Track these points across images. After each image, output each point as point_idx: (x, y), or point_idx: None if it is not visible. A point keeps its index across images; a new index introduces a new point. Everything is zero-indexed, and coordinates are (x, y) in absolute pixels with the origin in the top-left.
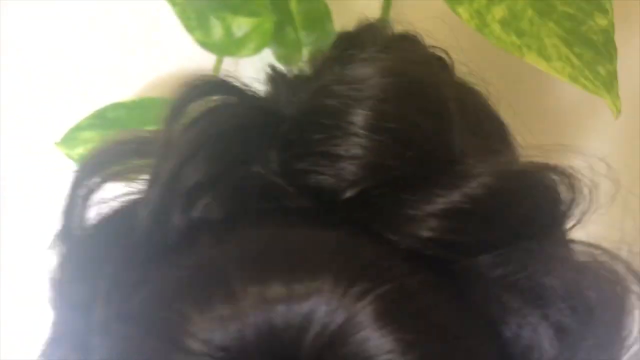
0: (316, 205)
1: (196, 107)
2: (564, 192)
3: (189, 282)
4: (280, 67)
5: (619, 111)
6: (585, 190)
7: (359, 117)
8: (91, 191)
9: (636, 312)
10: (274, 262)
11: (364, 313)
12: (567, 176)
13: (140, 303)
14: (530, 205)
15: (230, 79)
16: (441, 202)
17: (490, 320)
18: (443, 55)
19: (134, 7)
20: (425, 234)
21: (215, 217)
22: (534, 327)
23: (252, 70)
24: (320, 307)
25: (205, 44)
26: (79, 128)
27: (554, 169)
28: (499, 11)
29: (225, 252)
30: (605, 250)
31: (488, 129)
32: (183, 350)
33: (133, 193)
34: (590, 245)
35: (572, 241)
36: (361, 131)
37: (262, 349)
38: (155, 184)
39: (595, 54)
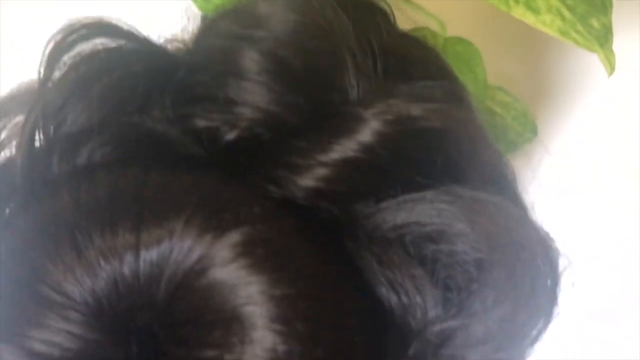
0: (202, 152)
1: (83, 51)
2: (464, 144)
3: (42, 232)
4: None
5: (613, 68)
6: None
7: (248, 59)
8: None
9: (552, 287)
10: (122, 208)
11: (221, 249)
12: (468, 128)
13: (5, 250)
14: (421, 152)
15: (122, 23)
16: (330, 150)
17: (365, 275)
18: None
19: (133, 7)
20: (307, 183)
21: (101, 164)
22: (415, 284)
23: None
24: (173, 250)
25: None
26: None
27: (457, 118)
28: None
29: (77, 200)
30: (515, 213)
31: (432, 81)
32: (46, 302)
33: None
34: (496, 203)
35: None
36: (251, 74)
37: (116, 302)
38: (29, 129)
39: (589, 6)
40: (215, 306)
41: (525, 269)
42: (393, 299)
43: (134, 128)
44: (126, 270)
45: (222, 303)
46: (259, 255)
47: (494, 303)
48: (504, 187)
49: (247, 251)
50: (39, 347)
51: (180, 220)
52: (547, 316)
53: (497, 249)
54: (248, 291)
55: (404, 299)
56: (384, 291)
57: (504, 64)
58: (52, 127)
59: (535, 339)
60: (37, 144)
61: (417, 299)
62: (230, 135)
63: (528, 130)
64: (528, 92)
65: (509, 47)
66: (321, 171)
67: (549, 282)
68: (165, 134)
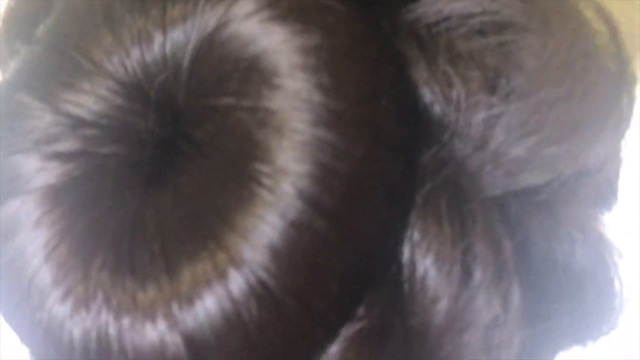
0: None
1: None
2: None
3: (78, 8)
4: None
5: None
6: None
7: None
8: None
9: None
10: None
11: (244, 4)
12: None
13: (49, 26)
14: None
15: None
16: None
17: (403, 64)
18: None
19: None
20: None
21: None
22: (458, 71)
23: None
24: (196, 13)
25: None
26: None
27: None
28: None
29: None
30: None
31: None
32: (78, 68)
33: None
34: None
35: None
36: None
37: (142, 72)
38: None
39: None
40: (234, 57)
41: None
42: (433, 89)
43: None
44: (155, 47)
45: (241, 53)
46: (284, 7)
47: (545, 92)
48: None
49: (271, 4)
50: (68, 107)
51: None
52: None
53: (557, 40)
54: (269, 41)
55: (445, 90)
56: (424, 80)
57: None
58: None
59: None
60: None
61: (459, 89)
62: None
63: None
64: None
65: None
66: None
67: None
68: None
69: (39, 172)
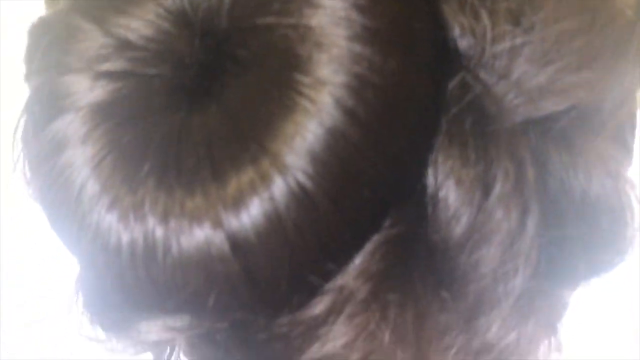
0: None
1: None
2: None
3: None
4: None
5: None
6: None
7: None
8: None
9: None
10: None
11: None
12: None
13: None
14: None
15: None
16: None
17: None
18: None
19: None
20: None
21: None
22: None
23: None
24: None
25: None
26: None
27: None
28: None
29: None
30: None
31: None
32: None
33: None
34: None
35: None
36: None
37: (194, 9)
38: None
39: None
40: None
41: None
42: (462, 22)
43: None
44: None
45: None
46: None
47: (566, 23)
48: None
49: None
50: (119, 30)
51: None
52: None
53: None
54: None
55: (472, 22)
56: (453, 13)
57: None
58: None
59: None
60: None
61: (485, 22)
62: None
63: None
64: None
65: None
66: None
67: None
68: None
69: (88, 90)
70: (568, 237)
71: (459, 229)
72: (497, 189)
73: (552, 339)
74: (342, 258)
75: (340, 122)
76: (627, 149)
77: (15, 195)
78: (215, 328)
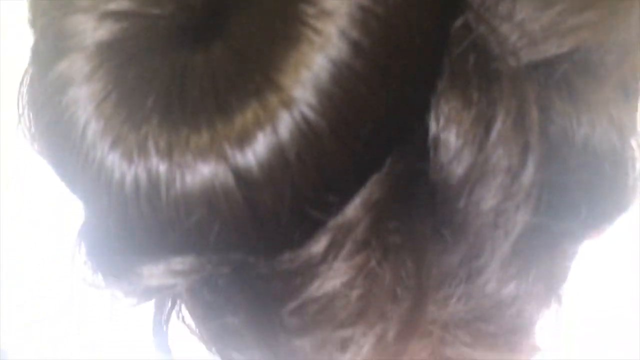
0: None
1: None
2: None
3: None
4: None
5: None
6: None
7: None
8: None
9: None
10: None
11: None
12: None
13: None
14: None
15: None
16: None
17: None
18: None
19: None
20: None
21: None
22: None
23: None
24: None
25: None
26: None
27: None
28: None
29: None
30: None
31: None
32: None
33: None
34: None
35: None
36: None
37: None
38: None
39: None
40: None
41: None
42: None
43: None
44: None
45: None
46: None
47: None
48: None
49: None
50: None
51: None
52: None
53: None
54: None
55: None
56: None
57: None
58: None
59: None
60: None
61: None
62: None
63: None
64: None
65: None
66: None
67: None
68: None
69: (93, 29)
70: (569, 182)
71: (460, 169)
72: (498, 125)
73: (554, 305)
74: (344, 193)
75: (345, 53)
76: (631, 102)
77: (15, 195)
78: (217, 272)
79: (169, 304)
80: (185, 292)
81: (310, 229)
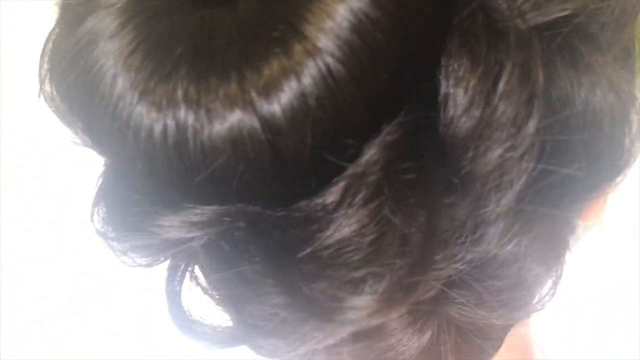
0: None
1: None
2: None
3: None
4: None
5: None
6: None
7: None
8: None
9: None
10: None
11: None
12: None
13: None
14: None
15: None
16: None
17: None
18: None
19: None
20: None
21: None
22: None
23: None
24: None
25: None
26: None
27: None
28: None
29: None
30: None
31: None
32: None
33: None
34: None
35: None
36: None
37: None
38: None
39: None
40: None
41: None
42: None
43: None
44: None
45: None
46: None
47: None
48: None
49: None
50: None
51: None
52: None
53: None
54: None
55: None
56: None
57: None
58: None
59: None
60: None
61: None
62: None
63: None
64: None
65: None
66: None
67: None
68: None
69: None
70: (569, 139)
71: (468, 123)
72: (505, 79)
73: (555, 275)
74: (361, 138)
75: (364, 3)
76: (629, 67)
77: (15, 195)
78: (235, 224)
79: (183, 265)
80: (201, 248)
81: (327, 175)
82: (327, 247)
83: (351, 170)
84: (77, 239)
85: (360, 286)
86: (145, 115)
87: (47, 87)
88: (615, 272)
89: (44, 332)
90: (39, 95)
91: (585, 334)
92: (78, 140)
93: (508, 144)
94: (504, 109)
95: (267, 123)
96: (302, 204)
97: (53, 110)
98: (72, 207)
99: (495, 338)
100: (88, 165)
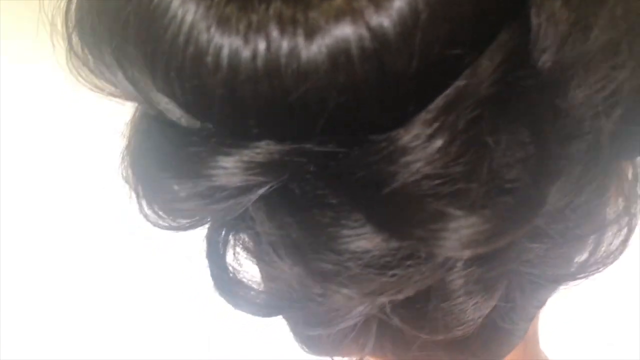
0: None
1: None
2: None
3: None
4: None
5: None
6: None
7: None
8: None
9: None
10: None
11: None
12: None
13: None
14: None
15: None
16: None
17: None
18: None
19: None
20: None
21: None
22: None
23: None
24: None
25: None
26: None
27: None
28: None
29: None
30: None
31: None
32: None
33: None
34: None
35: None
36: None
37: None
38: None
39: None
40: None
41: None
42: None
43: None
44: None
45: None
46: None
47: None
48: None
49: None
50: None
51: None
52: None
53: None
54: None
55: None
56: None
57: None
58: None
59: None
60: None
61: None
62: None
63: None
64: None
65: None
66: None
67: None
68: None
69: None
70: None
71: (566, 57)
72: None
73: (596, 238)
74: (468, 48)
75: None
76: None
77: (15, 195)
78: (306, 169)
79: (228, 226)
80: (261, 200)
81: (426, 97)
82: (411, 184)
83: (457, 83)
84: (77, 239)
85: (447, 222)
86: (228, 40)
87: (75, 41)
88: (615, 272)
89: (44, 332)
90: (68, 53)
91: (585, 334)
92: (113, 97)
93: (599, 88)
94: (598, 53)
95: (377, 35)
96: (393, 133)
97: (85, 64)
98: (72, 207)
99: (526, 319)
100: (88, 165)
